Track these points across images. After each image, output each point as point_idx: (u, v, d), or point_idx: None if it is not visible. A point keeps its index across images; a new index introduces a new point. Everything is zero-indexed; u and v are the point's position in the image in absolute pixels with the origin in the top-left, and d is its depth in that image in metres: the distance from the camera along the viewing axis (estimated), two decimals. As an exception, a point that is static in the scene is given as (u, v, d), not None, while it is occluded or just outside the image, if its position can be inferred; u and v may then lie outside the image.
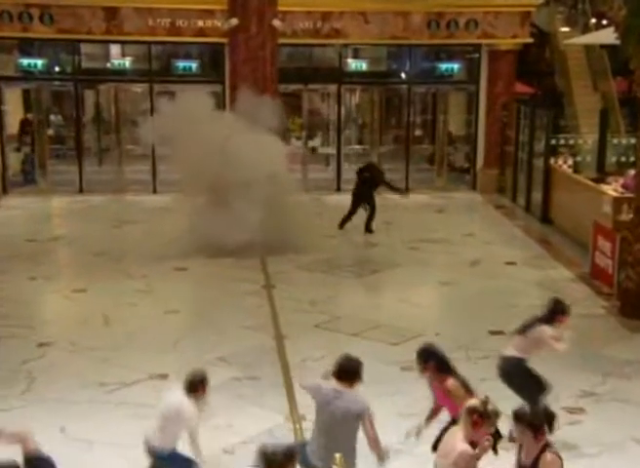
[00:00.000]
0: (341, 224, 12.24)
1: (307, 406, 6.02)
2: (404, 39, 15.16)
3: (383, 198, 12.92)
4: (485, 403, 4.22)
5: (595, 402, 6.33)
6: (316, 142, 17.21)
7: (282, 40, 14.36)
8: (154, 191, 15.03)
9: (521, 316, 8.31)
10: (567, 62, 16.55)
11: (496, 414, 4.26)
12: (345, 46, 15.64)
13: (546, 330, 5.83)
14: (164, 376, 6.71)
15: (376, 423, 4.71)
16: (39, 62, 15.29)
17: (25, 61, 15.33)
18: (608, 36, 10.78)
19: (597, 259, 9.69)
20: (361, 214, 12.36)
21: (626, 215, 9.57)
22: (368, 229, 12.14)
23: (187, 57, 16.00)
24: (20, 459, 3.90)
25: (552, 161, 13.24)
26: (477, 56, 15.70)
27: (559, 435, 5.64)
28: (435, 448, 4.93)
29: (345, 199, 12.81)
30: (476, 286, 9.55)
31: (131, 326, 8.11)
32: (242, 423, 5.93)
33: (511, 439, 4.61)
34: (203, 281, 9.77)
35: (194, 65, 15.84)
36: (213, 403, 6.14)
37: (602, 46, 15.93)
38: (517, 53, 15.57)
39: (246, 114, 10.83)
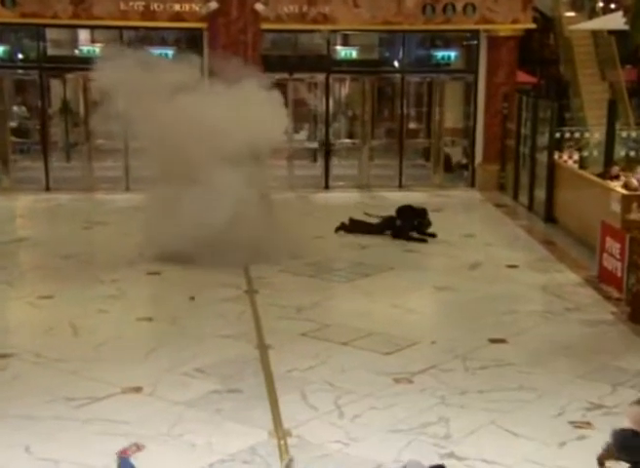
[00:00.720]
0: (339, 229, 12.14)
1: (293, 420, 6.02)
2: (397, 25, 15.17)
3: (375, 197, 12.91)
4: None
5: (604, 415, 6.33)
6: (302, 136, 17.21)
7: (265, 25, 14.37)
8: (127, 189, 14.97)
9: (523, 323, 8.41)
10: (572, 50, 16.62)
11: None
12: (334, 32, 15.63)
13: None
14: (137, 389, 6.67)
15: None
16: (0, 49, 15.20)
17: (-15, 48, 15.27)
18: (616, 21, 10.84)
19: (605, 262, 9.71)
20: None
21: (636, 214, 9.60)
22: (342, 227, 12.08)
23: (163, 43, 15.95)
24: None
25: (557, 156, 13.27)
26: (475, 42, 15.72)
27: (564, 452, 5.67)
28: None
29: (334, 197, 12.79)
30: (475, 290, 9.55)
31: (101, 335, 8.06)
32: (222, 440, 5.90)
33: None
34: (179, 285, 9.72)
35: (170, 52, 15.79)
36: (189, 418, 6.13)
37: (610, 32, 16.01)
38: (519, 39, 15.60)
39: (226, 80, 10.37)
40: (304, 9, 14.81)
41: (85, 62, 15.86)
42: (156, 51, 15.38)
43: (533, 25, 15.72)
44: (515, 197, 14.77)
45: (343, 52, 16.39)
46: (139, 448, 5.36)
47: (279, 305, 8.92)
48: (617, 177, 11.71)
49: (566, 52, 16.85)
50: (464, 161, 16.68)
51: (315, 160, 16.95)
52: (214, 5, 13.40)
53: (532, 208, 13.86)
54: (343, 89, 18.04)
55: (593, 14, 16.98)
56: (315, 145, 16.63)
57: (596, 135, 13.78)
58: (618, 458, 4.38)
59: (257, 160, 10.18)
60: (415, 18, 15.04)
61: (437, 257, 11.25)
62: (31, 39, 15.23)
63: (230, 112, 9.95)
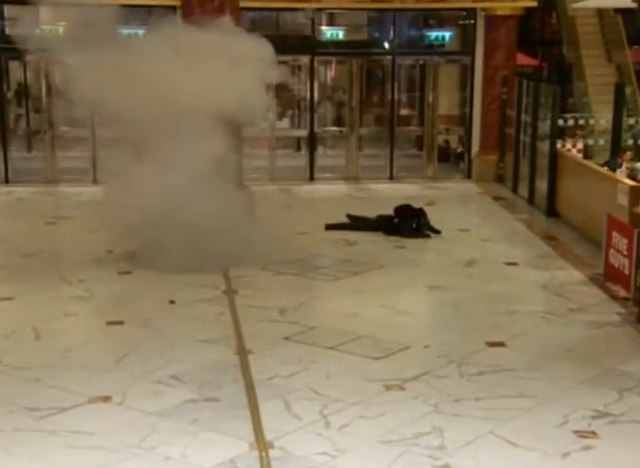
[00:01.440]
0: (330, 226, 12.13)
1: (276, 430, 6.03)
2: (387, 3, 15.20)
3: (364, 189, 12.92)
4: None
5: (610, 423, 6.37)
6: (285, 124, 17.22)
7: (244, 3, 14.34)
8: (94, 181, 14.92)
9: (523, 324, 8.45)
10: (576, 29, 16.68)
11: None
12: (319, 11, 15.63)
13: None
14: (106, 399, 6.66)
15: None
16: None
17: (-64, 27, 15.16)
18: (623, -1, 10.90)
19: (611, 258, 9.77)
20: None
21: (645, 207, 9.67)
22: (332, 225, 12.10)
23: (133, 22, 15.86)
24: None
25: (559, 145, 13.34)
26: (472, 22, 15.78)
27: (568, 464, 5.70)
28: None
29: (320, 189, 12.81)
30: (471, 290, 9.58)
31: (67, 340, 8.03)
32: (198, 452, 5.90)
33: None
34: (152, 286, 9.71)
35: (141, 32, 15.71)
36: (163, 429, 6.12)
37: (617, 10, 16.08)
38: (518, 18, 15.67)
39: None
40: (287, -15, 14.83)
41: (47, 43, 15.89)
42: (125, 30, 15.33)
43: (533, 3, 15.78)
44: (515, 189, 14.83)
45: (329, 32, 16.41)
46: None
47: (260, 306, 8.92)
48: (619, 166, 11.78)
49: (569, 32, 16.92)
50: (460, 150, 16.74)
51: (299, 149, 16.98)
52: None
53: (532, 201, 13.92)
54: (329, 72, 18.08)
55: (599, -9, 17.04)
56: (299, 134, 16.64)
57: (602, 121, 13.85)
58: None
59: (231, 139, 9.80)
60: (406, -5, 15.10)
61: (430, 254, 11.29)
62: (-12, 17, 15.16)
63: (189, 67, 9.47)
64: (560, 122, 13.44)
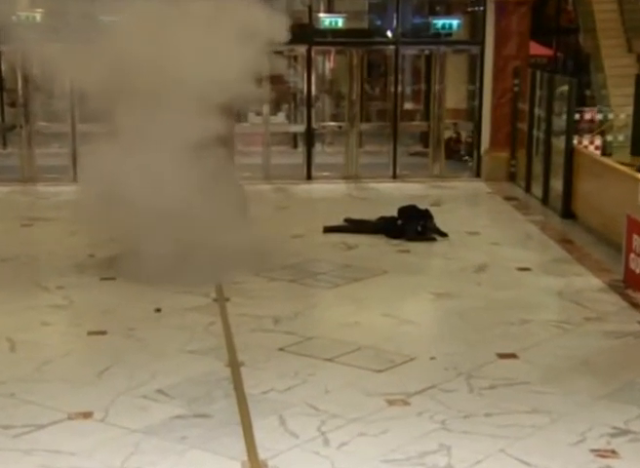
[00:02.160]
0: (328, 229, 12.14)
1: (270, 449, 6.03)
2: (390, -12, 15.23)
3: (365, 189, 12.92)
4: None
5: (631, 442, 6.37)
6: (281, 118, 17.23)
7: (236, -11, 14.31)
8: (74, 180, 14.90)
9: (537, 335, 8.46)
10: (594, 17, 16.70)
11: None
12: (317, -4, 15.68)
13: None
14: (87, 415, 6.66)
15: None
16: None
17: None
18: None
19: (632, 263, 9.78)
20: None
21: (668, 208, 9.68)
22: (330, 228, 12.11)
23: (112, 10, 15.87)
24: None
25: (576, 141, 13.35)
26: (481, 9, 15.80)
27: (585, 483, 5.71)
28: None
29: (318, 189, 12.82)
30: (481, 297, 9.59)
31: (44, 351, 8.02)
32: (187, 473, 5.92)
33: None
34: (137, 293, 9.70)
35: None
36: (148, 448, 6.12)
37: (637, -4, 16.11)
38: (532, 5, 15.70)
39: None
40: (282, -31, 14.85)
41: (24, 31, 15.90)
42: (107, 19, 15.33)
43: (548, -11, 15.84)
44: (527, 189, 14.85)
45: (328, 20, 16.41)
46: None
47: (253, 315, 8.92)
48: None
49: (586, 19, 16.94)
50: (469, 140, 16.76)
51: (295, 146, 16.99)
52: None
53: (547, 201, 13.93)
54: (328, 63, 18.08)
55: (618, -26, 17.08)
56: (295, 129, 16.65)
57: (622, 116, 13.86)
58: None
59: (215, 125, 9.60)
60: (411, -20, 15.14)
61: (436, 259, 11.30)
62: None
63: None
64: (576, 116, 13.46)
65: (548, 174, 13.95)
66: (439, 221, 12.04)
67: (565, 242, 11.97)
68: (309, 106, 16.03)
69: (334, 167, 16.19)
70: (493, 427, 6.39)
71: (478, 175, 16.14)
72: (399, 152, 16.19)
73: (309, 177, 15.83)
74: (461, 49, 16.72)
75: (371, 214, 12.46)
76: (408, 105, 17.83)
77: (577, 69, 16.93)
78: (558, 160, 13.56)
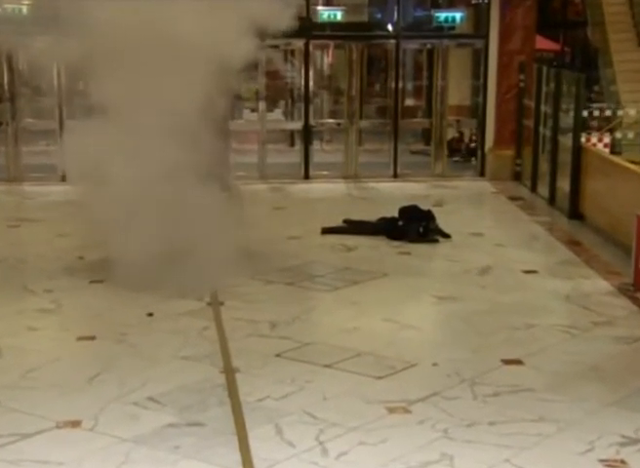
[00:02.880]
0: (327, 230, 12.14)
1: (266, 459, 6.03)
2: (391, -20, 15.24)
3: (365, 188, 12.93)
4: None
5: (640, 451, 6.40)
6: (277, 115, 17.24)
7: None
8: (63, 179, 14.90)
9: (543, 340, 8.46)
10: (602, 10, 16.73)
11: None
12: (315, -11, 15.69)
13: None
14: (76, 424, 6.65)
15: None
16: None
17: None
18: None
19: (642, 266, 9.79)
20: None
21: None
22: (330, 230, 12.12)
23: (106, 2, 15.90)
24: None
25: (584, 139, 13.36)
26: (486, 1, 15.81)
27: (593, 494, 5.71)
28: None
29: (316, 188, 12.83)
30: (485, 301, 9.60)
31: (31, 357, 8.02)
32: (179, 484, 5.92)
33: None
34: (128, 296, 9.70)
35: None
36: (139, 457, 6.12)
37: (648, -11, 16.14)
38: (538, -3, 15.73)
39: None
40: (278, -40, 14.84)
41: (10, 24, 15.91)
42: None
43: (554, -19, 15.87)
44: (533, 188, 14.85)
45: (326, 13, 16.43)
46: None
47: (249, 320, 8.92)
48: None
49: (595, 12, 16.97)
50: (472, 145, 16.78)
51: (292, 144, 17.00)
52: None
53: (553, 201, 13.94)
54: (326, 58, 18.09)
55: (627, -34, 17.11)
56: (292, 126, 16.66)
57: (631, 112, 13.87)
58: None
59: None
60: (412, -29, 15.16)
61: (439, 261, 11.30)
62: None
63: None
64: (585, 113, 13.46)
65: (555, 172, 13.96)
66: (441, 222, 12.05)
67: (572, 243, 11.97)
68: (307, 103, 16.04)
69: (332, 166, 16.20)
70: (497, 436, 6.39)
71: (482, 174, 16.15)
72: (400, 150, 16.20)
73: (307, 177, 15.84)
74: (465, 43, 16.74)
75: (371, 215, 12.48)
76: (409, 102, 17.86)
77: (585, 64, 16.93)
78: (565, 158, 13.56)
